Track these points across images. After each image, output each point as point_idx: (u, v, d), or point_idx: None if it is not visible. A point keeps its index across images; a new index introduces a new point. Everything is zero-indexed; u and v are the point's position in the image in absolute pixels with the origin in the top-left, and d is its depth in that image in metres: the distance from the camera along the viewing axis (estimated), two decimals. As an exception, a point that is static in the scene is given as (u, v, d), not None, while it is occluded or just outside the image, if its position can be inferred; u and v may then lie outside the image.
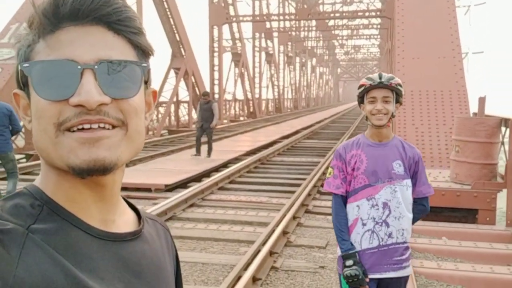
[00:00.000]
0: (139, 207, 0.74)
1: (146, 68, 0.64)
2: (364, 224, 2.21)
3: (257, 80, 32.53)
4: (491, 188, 5.94)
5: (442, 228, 5.67)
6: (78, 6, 0.59)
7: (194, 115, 21.47)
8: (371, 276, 2.19)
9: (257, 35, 32.79)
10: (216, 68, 24.66)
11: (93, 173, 0.59)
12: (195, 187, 7.53)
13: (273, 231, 5.28)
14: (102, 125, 0.59)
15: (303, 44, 47.12)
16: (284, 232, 5.39)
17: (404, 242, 2.23)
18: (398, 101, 2.20)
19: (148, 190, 7.84)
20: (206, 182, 7.98)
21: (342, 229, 2.25)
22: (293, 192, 7.52)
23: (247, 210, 6.69)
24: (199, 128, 11.16)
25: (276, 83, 36.80)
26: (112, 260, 0.62)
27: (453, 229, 5.63)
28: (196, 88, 20.57)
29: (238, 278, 3.93)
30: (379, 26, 36.58)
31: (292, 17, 25.99)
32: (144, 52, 0.65)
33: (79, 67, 0.58)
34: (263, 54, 34.13)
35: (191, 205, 6.88)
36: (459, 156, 6.37)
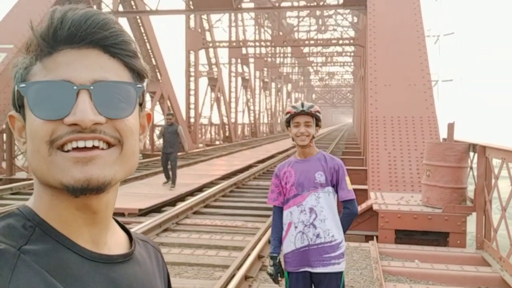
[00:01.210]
0: (130, 229, 0.75)
1: (141, 89, 0.65)
2: (296, 227, 2.63)
3: (233, 104, 32.71)
4: (461, 211, 6.08)
5: (414, 251, 5.75)
6: (75, 30, 0.61)
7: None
8: (303, 269, 2.62)
9: (233, 60, 33.12)
10: (192, 92, 24.70)
11: (86, 192, 0.59)
12: (169, 212, 7.45)
13: (248, 255, 5.26)
14: (96, 143, 0.60)
15: (279, 70, 47.78)
16: (260, 256, 5.38)
17: (332, 241, 2.61)
18: (317, 125, 2.69)
19: (122, 214, 7.71)
20: (181, 206, 7.92)
21: (273, 235, 2.74)
22: (268, 216, 7.52)
23: (222, 235, 6.65)
24: (163, 154, 10.16)
25: (252, 107, 37.08)
26: (103, 282, 0.62)
27: (425, 252, 5.72)
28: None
29: (212, 303, 3.89)
30: (352, 54, 37.51)
31: (268, 43, 26.41)
32: (139, 74, 0.67)
33: (75, 87, 0.59)
34: (239, 79, 34.43)
35: (165, 230, 6.81)
36: (430, 180, 6.52)
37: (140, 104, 0.67)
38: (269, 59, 40.96)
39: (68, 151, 0.59)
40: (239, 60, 33.99)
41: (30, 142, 0.61)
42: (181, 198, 9.21)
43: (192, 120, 24.04)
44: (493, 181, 5.67)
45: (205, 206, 8.60)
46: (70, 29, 0.61)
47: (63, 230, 0.62)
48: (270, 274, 2.71)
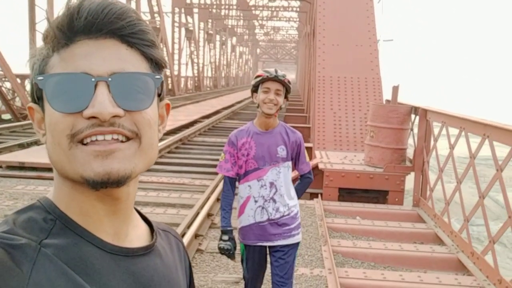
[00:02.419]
0: (152, 219, 0.74)
1: (159, 80, 0.64)
2: (256, 201, 2.57)
3: (176, 56, 31.82)
4: (400, 171, 6.42)
5: (356, 209, 6.04)
6: (92, 20, 0.60)
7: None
8: (261, 243, 2.59)
9: (176, 9, 31.94)
10: (133, 42, 23.65)
11: (107, 186, 0.59)
12: (114, 168, 7.27)
13: (197, 213, 5.29)
14: (115, 136, 0.59)
15: (224, 22, 46.72)
16: (209, 214, 5.42)
17: (290, 214, 2.61)
18: (286, 97, 2.55)
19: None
20: (126, 162, 7.74)
21: (225, 208, 2.64)
22: (216, 173, 7.54)
23: (170, 192, 6.61)
24: None
25: (196, 60, 36.26)
26: (123, 275, 0.62)
27: (366, 209, 6.03)
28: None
29: (164, 262, 3.91)
30: (298, 9, 37.28)
31: (214, -6, 25.60)
32: (157, 64, 0.66)
33: (93, 79, 0.59)
34: (182, 30, 33.38)
35: (111, 187, 6.65)
36: (373, 141, 6.78)
37: (159, 95, 0.67)
38: (214, 10, 39.87)
39: (87, 144, 0.59)
40: (182, 10, 32.84)
41: (50, 135, 0.61)
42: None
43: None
44: (432, 143, 5.99)
45: (151, 163, 8.47)
46: (87, 19, 0.60)
47: (84, 223, 0.62)
48: (225, 250, 2.59)
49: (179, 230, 4.66)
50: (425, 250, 4.75)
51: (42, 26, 15.01)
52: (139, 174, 0.64)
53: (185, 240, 4.39)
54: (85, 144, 0.58)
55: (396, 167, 6.45)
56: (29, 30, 15.13)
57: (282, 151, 2.57)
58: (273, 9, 39.86)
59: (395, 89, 6.94)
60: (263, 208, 2.56)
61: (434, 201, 5.81)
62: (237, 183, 2.69)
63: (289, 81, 2.51)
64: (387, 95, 8.48)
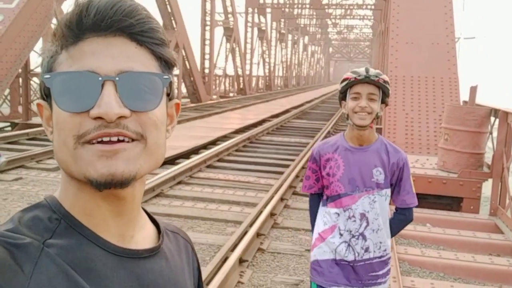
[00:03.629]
0: (160, 221, 0.73)
1: (168, 80, 0.63)
2: (341, 234, 2.07)
3: (248, 56, 32.20)
4: (477, 177, 6.02)
5: (426, 215, 5.74)
6: (101, 18, 0.59)
7: (184, 89, 21.28)
8: (341, 286, 2.08)
9: (250, 10, 32.32)
10: (207, 42, 24.31)
11: (110, 187, 0.58)
12: (183, 164, 7.50)
13: (260, 212, 5.31)
14: (121, 138, 0.58)
15: (296, 22, 46.60)
16: (272, 214, 5.42)
17: (382, 257, 2.08)
18: (384, 101, 2.00)
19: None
20: (195, 159, 7.96)
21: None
22: (281, 173, 7.54)
23: (235, 190, 6.70)
24: None
25: (267, 60, 36.51)
26: (127, 278, 0.61)
27: (437, 216, 5.71)
28: (187, 62, 20.31)
29: (225, 259, 3.96)
30: (373, 7, 36.27)
31: (286, -7, 25.60)
32: (167, 63, 0.64)
33: (100, 78, 0.58)
34: (255, 29, 33.73)
35: (179, 183, 6.87)
36: (447, 144, 6.42)
37: (168, 94, 0.66)
38: (287, 10, 39.86)
39: (93, 143, 0.58)
40: (256, 10, 33.17)
41: (56, 134, 0.60)
42: (195, 150, 9.25)
43: (206, 71, 23.81)
44: (513, 148, 5.55)
45: (219, 160, 8.64)
46: (95, 17, 0.59)
47: (89, 223, 0.61)
48: None
49: (241, 228, 4.71)
50: (502, 263, 4.41)
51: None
52: (144, 175, 0.63)
53: (247, 238, 4.42)
54: (90, 143, 0.58)
55: (472, 173, 6.05)
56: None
57: (379, 175, 2.03)
58: (346, 7, 39.12)
59: (473, 90, 6.52)
60: (348, 245, 2.06)
61: (514, 210, 5.39)
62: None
63: (385, 81, 1.97)
64: (464, 96, 7.99)
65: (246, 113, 17.27)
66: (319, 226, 2.13)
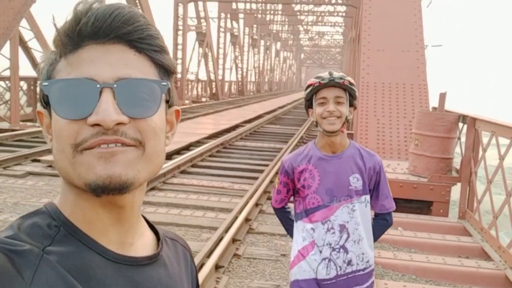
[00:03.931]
0: (159, 228, 0.73)
1: (166, 87, 0.63)
2: (320, 251, 1.94)
3: (221, 61, 32.20)
4: (446, 181, 6.18)
5: (398, 219, 5.85)
6: (100, 25, 0.59)
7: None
8: None
9: (222, 15, 32.35)
10: (179, 47, 24.20)
11: (109, 191, 0.58)
12: (156, 170, 7.41)
13: (235, 217, 5.30)
14: (118, 144, 0.58)
15: (268, 28, 46.90)
16: (247, 219, 5.42)
17: (365, 269, 1.97)
18: (352, 104, 1.92)
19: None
20: (168, 165, 7.88)
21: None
22: (255, 178, 7.56)
23: (209, 195, 6.67)
24: None
25: (240, 65, 36.58)
26: (126, 285, 0.61)
27: (408, 220, 5.83)
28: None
29: (201, 265, 3.93)
30: (344, 14, 36.88)
31: (259, -1, 25.75)
32: (166, 70, 0.64)
33: (98, 85, 0.58)
34: (228, 35, 33.77)
35: (152, 189, 6.79)
36: (417, 150, 6.57)
37: (167, 101, 0.66)
38: (259, 16, 40.08)
39: (91, 148, 0.58)
40: (228, 15, 33.22)
41: (55, 141, 0.60)
42: (168, 156, 9.16)
43: (179, 75, 23.65)
44: (480, 153, 5.73)
45: (192, 166, 8.59)
46: (94, 24, 0.59)
47: (88, 230, 0.61)
48: None
49: (217, 234, 4.69)
50: (471, 265, 4.53)
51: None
52: (144, 182, 0.63)
53: (223, 244, 4.41)
54: (89, 149, 0.58)
55: (442, 177, 6.21)
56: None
57: (356, 182, 1.93)
58: (318, 14, 39.64)
59: (442, 96, 6.71)
60: (329, 260, 1.93)
61: (481, 213, 5.56)
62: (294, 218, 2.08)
63: (351, 83, 1.89)
64: (433, 102, 8.21)
65: (219, 118, 17.23)
66: (298, 242, 1.99)
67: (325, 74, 1.89)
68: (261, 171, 8.07)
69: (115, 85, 0.58)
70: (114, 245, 0.62)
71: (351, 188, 1.93)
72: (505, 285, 4.20)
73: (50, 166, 7.95)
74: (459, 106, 8.93)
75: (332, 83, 1.86)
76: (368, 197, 1.98)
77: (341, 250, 1.93)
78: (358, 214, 1.93)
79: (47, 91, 0.60)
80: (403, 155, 7.72)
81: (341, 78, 1.86)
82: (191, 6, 25.19)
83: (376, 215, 2.07)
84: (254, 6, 34.94)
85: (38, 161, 8.25)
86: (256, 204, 6.09)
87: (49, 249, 0.57)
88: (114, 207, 0.61)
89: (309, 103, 1.95)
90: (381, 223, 2.06)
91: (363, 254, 1.95)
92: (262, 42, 46.65)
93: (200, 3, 26.24)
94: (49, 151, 9.18)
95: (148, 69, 0.62)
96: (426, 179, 6.27)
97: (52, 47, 0.62)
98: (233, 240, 4.74)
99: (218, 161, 9.33)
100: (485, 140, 5.65)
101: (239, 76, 36.87)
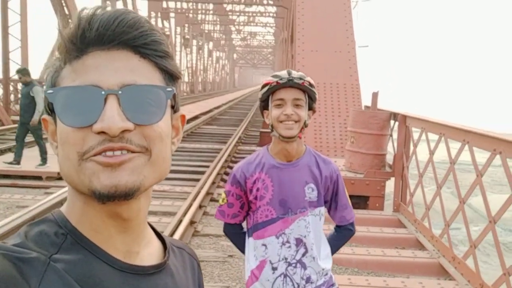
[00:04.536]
0: (166, 236, 0.73)
1: (171, 92, 0.62)
2: (274, 268, 1.77)
3: (153, 61, 31.54)
4: (381, 177, 6.49)
5: (338, 214, 6.06)
6: (104, 31, 0.58)
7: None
8: None
9: (153, 14, 31.71)
10: (109, 46, 23.38)
11: (114, 199, 0.58)
12: (92, 175, 7.12)
13: (180, 221, 5.23)
14: (124, 152, 0.58)
15: (200, 27, 46.63)
16: (192, 222, 5.37)
17: (325, 283, 1.82)
18: (311, 107, 1.76)
19: (38, 178, 7.26)
20: (105, 169, 7.60)
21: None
22: (197, 180, 7.50)
23: (150, 199, 6.52)
24: (20, 124, 7.64)
25: (172, 65, 36.02)
26: None
27: (348, 215, 6.06)
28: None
29: (148, 272, 3.84)
30: (275, 15, 37.51)
31: (191, -1, 25.53)
32: (171, 75, 0.64)
33: (102, 92, 0.57)
34: (159, 34, 33.13)
35: (89, 195, 6.52)
36: (353, 147, 6.85)
37: (173, 107, 0.66)
38: (191, 15, 39.74)
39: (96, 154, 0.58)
40: (159, 14, 32.62)
41: (61, 148, 0.60)
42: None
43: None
44: (411, 148, 6.08)
45: (130, 169, 8.35)
46: (98, 30, 0.58)
47: (95, 239, 0.61)
48: None
49: (162, 238, 4.60)
50: (407, 255, 4.80)
51: (14, 29, 14.76)
52: (149, 189, 0.63)
53: (169, 248, 4.34)
54: (94, 156, 0.58)
55: (377, 173, 6.52)
56: (2, 34, 14.77)
57: (311, 192, 1.78)
58: (249, 14, 40.03)
59: (375, 95, 7.03)
60: (285, 276, 1.77)
61: (414, 206, 5.89)
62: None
63: (311, 84, 1.73)
64: (365, 101, 8.59)
65: (185, 124, 16.87)
66: (251, 261, 1.83)
67: (283, 73, 1.72)
68: (202, 173, 8.02)
69: (120, 92, 0.57)
70: (121, 254, 0.62)
71: (306, 199, 1.77)
72: (439, 272, 4.49)
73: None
74: (388, 105, 9.41)
75: (290, 84, 1.69)
76: (322, 209, 1.83)
77: (298, 265, 1.77)
78: (313, 227, 1.77)
79: (51, 98, 0.59)
80: (339, 153, 8.01)
81: (300, 79, 1.70)
82: (119, 3, 24.42)
83: (337, 225, 1.93)
84: (185, 5, 34.63)
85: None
86: (200, 206, 6.05)
87: (56, 257, 0.57)
88: (119, 216, 0.61)
89: (264, 104, 1.78)
90: (344, 233, 1.93)
91: (323, 269, 1.80)
92: (195, 42, 46.28)
93: (129, 1, 25.52)
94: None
95: (153, 74, 0.61)
96: (362, 175, 6.55)
97: (57, 54, 0.61)
98: (179, 244, 4.68)
99: (157, 164, 9.13)
100: (415, 136, 6.00)
101: (172, 76, 36.30)
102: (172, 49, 33.97)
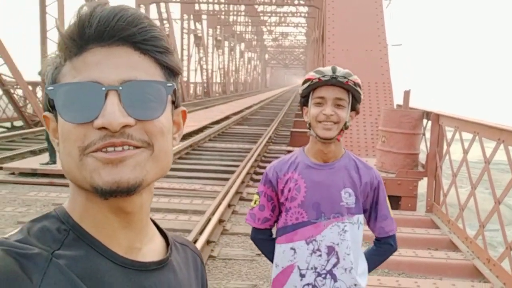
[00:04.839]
0: (169, 232, 0.73)
1: (172, 88, 0.63)
2: (302, 275, 1.64)
3: (185, 63, 31.99)
4: (413, 176, 6.36)
5: (369, 214, 5.97)
6: (103, 27, 0.59)
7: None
8: None
9: (185, 16, 32.15)
10: (143, 49, 23.84)
11: (116, 194, 0.58)
12: (125, 174, 7.28)
13: (209, 219, 5.27)
14: (126, 147, 0.58)
15: (232, 29, 46.92)
16: (220, 221, 5.40)
17: None
18: (354, 108, 1.64)
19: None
20: (137, 168, 7.76)
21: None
22: (226, 179, 7.54)
23: (181, 198, 6.61)
24: None
25: (204, 66, 36.43)
26: None
27: (379, 215, 5.96)
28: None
29: (177, 269, 3.89)
30: (306, 15, 37.33)
31: (222, 0, 25.72)
32: (172, 71, 0.64)
33: (103, 88, 0.57)
34: (191, 36, 33.56)
35: (122, 193, 6.66)
36: (384, 146, 6.73)
37: (173, 102, 0.66)
38: (223, 17, 40.04)
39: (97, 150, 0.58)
40: (191, 17, 33.03)
41: (62, 145, 0.60)
42: (136, 160, 9.02)
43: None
44: (445, 148, 5.93)
45: (162, 169, 8.48)
46: (98, 27, 0.59)
47: (97, 234, 0.61)
48: None
49: (191, 236, 4.65)
50: (440, 257, 4.68)
51: (53, 33, 15.28)
52: (152, 183, 0.63)
53: (198, 246, 4.37)
54: (96, 152, 0.58)
55: (409, 173, 6.39)
56: (41, 38, 15.29)
57: (348, 197, 1.64)
58: (281, 15, 39.96)
59: (407, 94, 6.89)
60: (314, 287, 1.64)
61: (447, 206, 5.75)
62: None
63: (356, 83, 1.61)
64: (397, 100, 8.43)
65: (186, 120, 17.08)
66: (277, 266, 1.70)
67: (327, 69, 1.60)
68: (232, 172, 8.06)
69: (120, 88, 0.58)
70: (123, 250, 0.62)
71: (342, 204, 1.63)
72: (473, 274, 4.36)
73: (13, 173, 7.69)
74: (422, 103, 9.21)
75: (333, 81, 1.57)
76: (361, 217, 1.68)
77: (328, 276, 1.63)
78: (349, 236, 1.62)
79: (52, 95, 0.59)
80: (371, 152, 7.90)
81: (345, 77, 1.57)
82: (153, 7, 24.90)
83: (377, 239, 1.77)
84: (217, 7, 34.90)
85: (1, 168, 7.95)
86: (229, 205, 6.08)
87: (58, 253, 0.57)
88: (121, 211, 0.61)
89: (304, 100, 1.67)
90: (384, 248, 1.76)
91: (355, 285, 1.64)
92: (226, 43, 46.61)
93: (162, 4, 25.98)
94: (10, 158, 8.87)
95: (153, 70, 0.62)
96: (394, 175, 6.43)
97: (57, 51, 0.62)
98: (208, 242, 4.72)
99: (188, 163, 9.25)
100: (449, 135, 5.85)
101: (204, 77, 36.69)
102: (205, 51, 34.19)
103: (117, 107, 0.57)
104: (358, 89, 1.63)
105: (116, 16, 0.59)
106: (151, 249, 0.67)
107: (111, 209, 0.60)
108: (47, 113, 0.64)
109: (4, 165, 7.97)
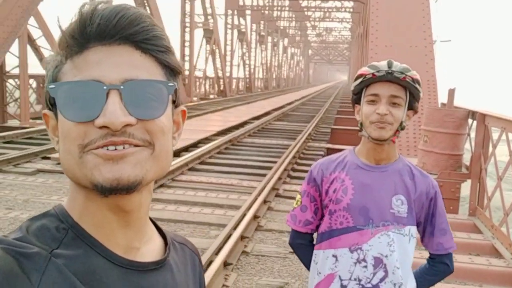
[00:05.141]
0: (167, 232, 0.73)
1: (173, 87, 0.63)
2: (344, 286, 1.49)
3: (228, 58, 32.21)
4: (456, 178, 6.13)
5: (407, 216, 5.82)
6: (105, 26, 0.59)
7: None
8: None
9: (229, 12, 32.35)
10: (187, 44, 24.24)
11: (116, 192, 0.58)
12: (165, 167, 7.42)
13: (244, 215, 5.30)
14: (127, 146, 0.58)
15: (276, 24, 46.83)
16: (255, 216, 5.42)
17: None
18: (412, 107, 1.48)
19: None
20: (177, 162, 7.89)
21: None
22: (263, 175, 7.55)
23: (218, 192, 6.68)
24: None
25: (247, 62, 36.56)
26: None
27: (418, 217, 5.80)
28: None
29: (209, 262, 3.94)
30: (351, 10, 36.69)
31: (266, -5, 25.69)
32: (172, 70, 0.64)
33: (104, 87, 0.57)
34: (235, 31, 33.77)
35: (161, 186, 6.81)
36: (427, 146, 6.53)
37: (174, 102, 0.66)
38: (266, 12, 40.01)
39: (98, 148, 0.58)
40: (235, 12, 33.21)
41: (62, 143, 0.60)
42: (176, 153, 9.18)
43: (186, 72, 23.69)
44: (490, 149, 5.68)
45: (201, 163, 8.60)
46: (99, 26, 0.59)
47: (96, 234, 0.61)
48: None
49: (225, 231, 4.69)
50: (481, 263, 4.50)
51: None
52: (151, 182, 0.63)
53: (231, 242, 4.41)
54: (96, 149, 0.58)
55: (451, 174, 6.17)
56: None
57: (400, 205, 1.48)
58: (325, 10, 39.49)
59: (451, 92, 6.64)
60: None
61: (492, 210, 5.51)
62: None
63: (414, 80, 1.45)
64: (442, 98, 8.14)
65: (227, 115, 17.23)
66: (314, 274, 1.57)
67: (382, 64, 1.45)
68: (269, 168, 8.06)
69: (121, 87, 0.58)
70: (121, 249, 0.62)
71: (392, 212, 1.47)
72: (516, 282, 4.17)
73: (59, 163, 8.00)
74: (469, 102, 8.86)
75: (389, 77, 1.42)
76: (414, 229, 1.51)
77: None
78: (399, 247, 1.46)
79: (53, 93, 0.59)
80: (412, 152, 7.68)
81: (402, 73, 1.42)
82: (198, 3, 25.20)
83: (431, 257, 1.60)
84: (261, 2, 34.96)
85: (48, 158, 8.30)
86: (265, 201, 6.09)
87: (57, 252, 0.57)
88: (120, 209, 0.61)
89: (357, 97, 1.52)
90: (439, 268, 1.58)
91: None
92: (270, 38, 46.58)
93: (207, 0, 26.23)
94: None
95: (154, 70, 0.62)
96: (435, 176, 6.23)
97: (58, 49, 0.62)
98: (242, 237, 4.74)
99: (227, 158, 9.33)
100: (495, 136, 5.60)
101: (247, 72, 36.84)
102: (248, 46, 34.29)
103: (119, 106, 0.57)
104: (416, 86, 1.47)
105: (117, 14, 0.59)
106: (149, 249, 0.67)
107: (110, 208, 0.61)
108: (47, 111, 0.64)
109: (52, 155, 8.31)
